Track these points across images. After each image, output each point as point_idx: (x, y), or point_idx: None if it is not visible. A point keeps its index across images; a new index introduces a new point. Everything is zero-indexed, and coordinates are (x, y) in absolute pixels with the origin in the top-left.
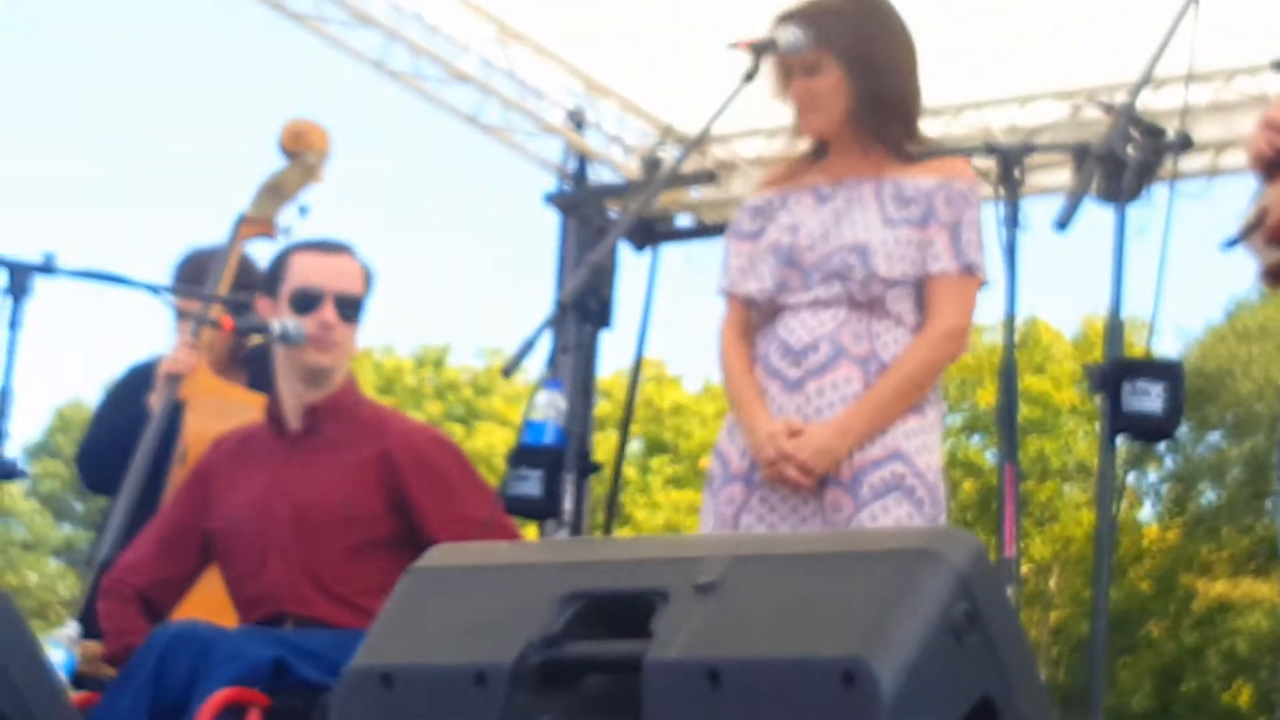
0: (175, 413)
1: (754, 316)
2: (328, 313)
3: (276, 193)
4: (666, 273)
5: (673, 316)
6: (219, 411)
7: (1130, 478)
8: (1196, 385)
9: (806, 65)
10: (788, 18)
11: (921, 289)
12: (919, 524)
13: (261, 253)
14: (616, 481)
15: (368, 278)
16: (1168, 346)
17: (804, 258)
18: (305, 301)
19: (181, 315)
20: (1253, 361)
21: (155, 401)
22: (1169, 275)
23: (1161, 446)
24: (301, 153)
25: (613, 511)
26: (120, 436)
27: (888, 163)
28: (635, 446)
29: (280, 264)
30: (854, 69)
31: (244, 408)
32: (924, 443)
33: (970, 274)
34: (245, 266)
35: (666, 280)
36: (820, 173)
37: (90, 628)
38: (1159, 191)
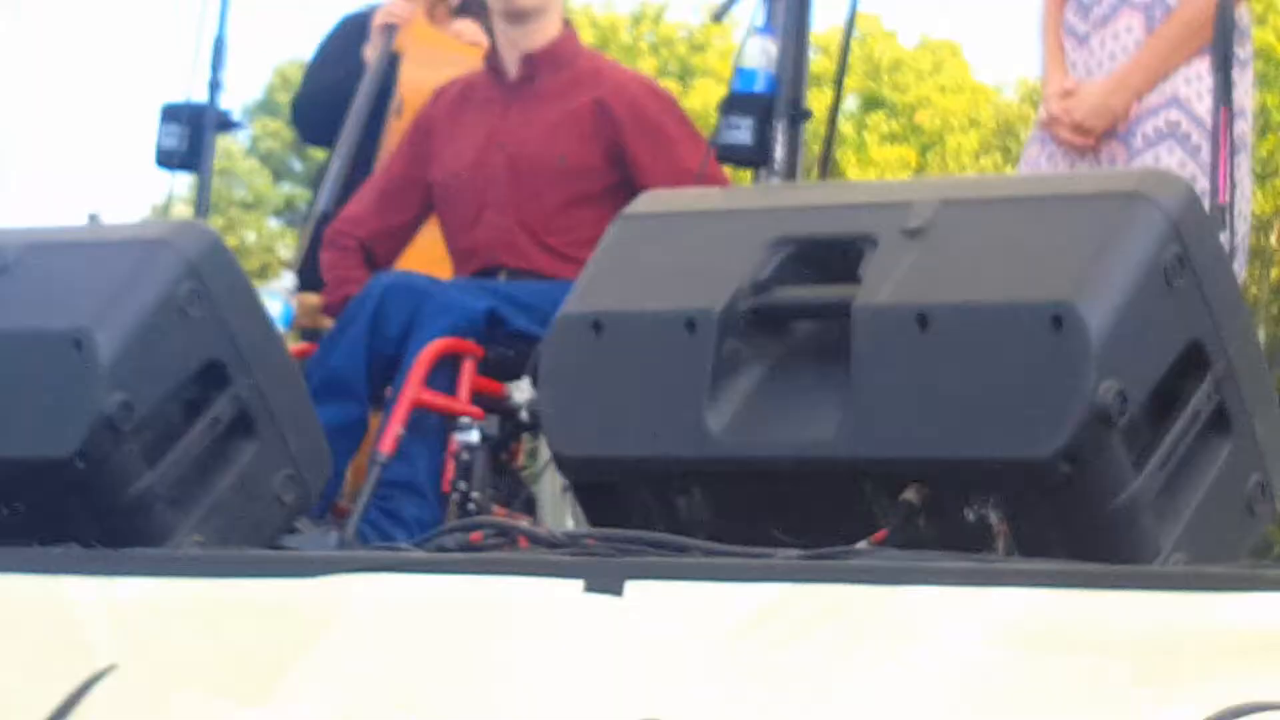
0: (391, 64)
1: None
2: None
3: None
4: None
5: None
6: (435, 62)
7: None
8: None
9: None
10: None
11: None
12: (1191, 171)
13: None
14: (831, 135)
15: None
16: None
17: None
18: None
19: None
20: None
21: (370, 53)
22: None
23: None
24: None
25: (826, 167)
26: (335, 88)
27: None
28: (851, 103)
29: None
30: None
31: (460, 58)
32: (1209, 86)
33: None
34: None
35: None
36: None
37: (307, 282)
38: None
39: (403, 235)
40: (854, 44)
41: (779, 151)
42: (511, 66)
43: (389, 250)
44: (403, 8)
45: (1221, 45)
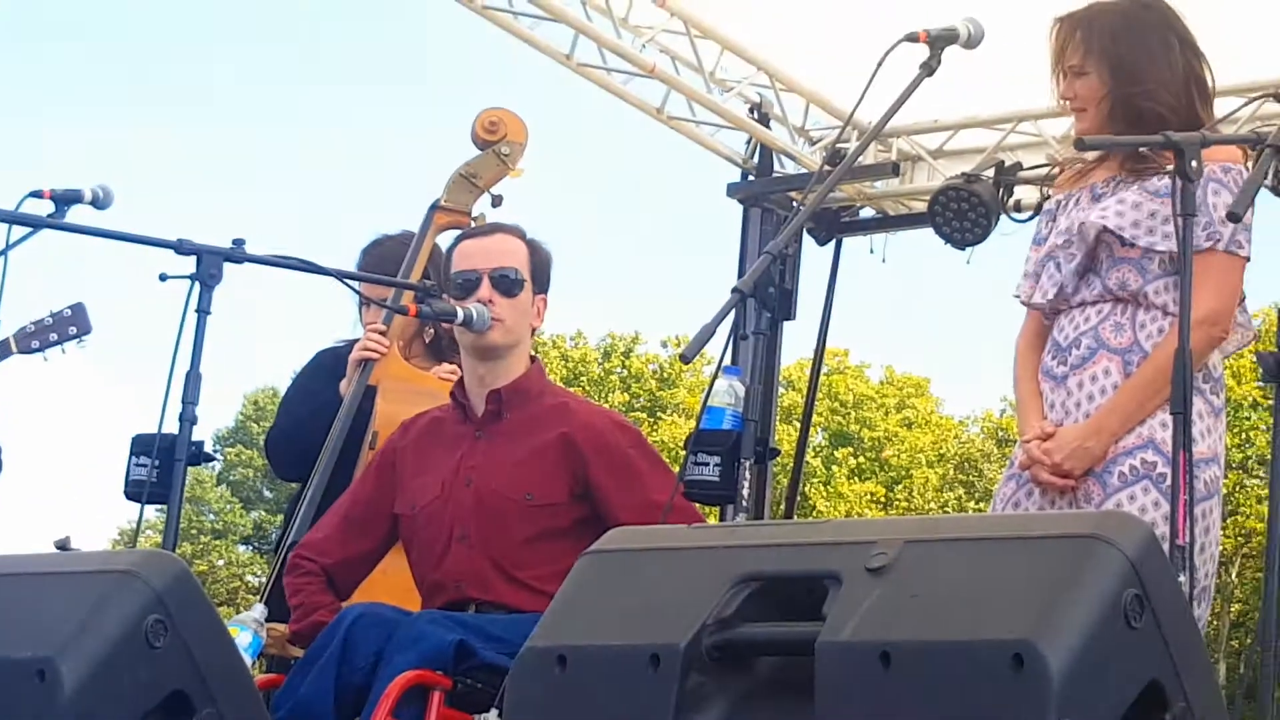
0: (366, 398)
1: (1045, 321)
2: (484, 291)
3: (471, 182)
4: (851, 264)
5: (857, 306)
6: (410, 397)
7: None
8: None
9: (1076, 68)
10: (1062, 20)
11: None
12: (1165, 511)
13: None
14: (798, 472)
15: (534, 252)
16: None
17: (1070, 256)
18: (464, 286)
19: (368, 302)
20: None
21: (345, 388)
22: None
23: None
24: (496, 143)
25: (793, 502)
26: (309, 423)
27: (1145, 162)
28: (819, 438)
29: (447, 258)
30: (1112, 73)
31: (435, 394)
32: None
33: (1224, 253)
34: (435, 256)
35: (851, 271)
36: (1102, 171)
37: (276, 612)
38: None
39: (365, 564)
40: (822, 379)
41: (746, 488)
42: (479, 402)
43: (351, 578)
44: (377, 343)
45: (1180, 391)
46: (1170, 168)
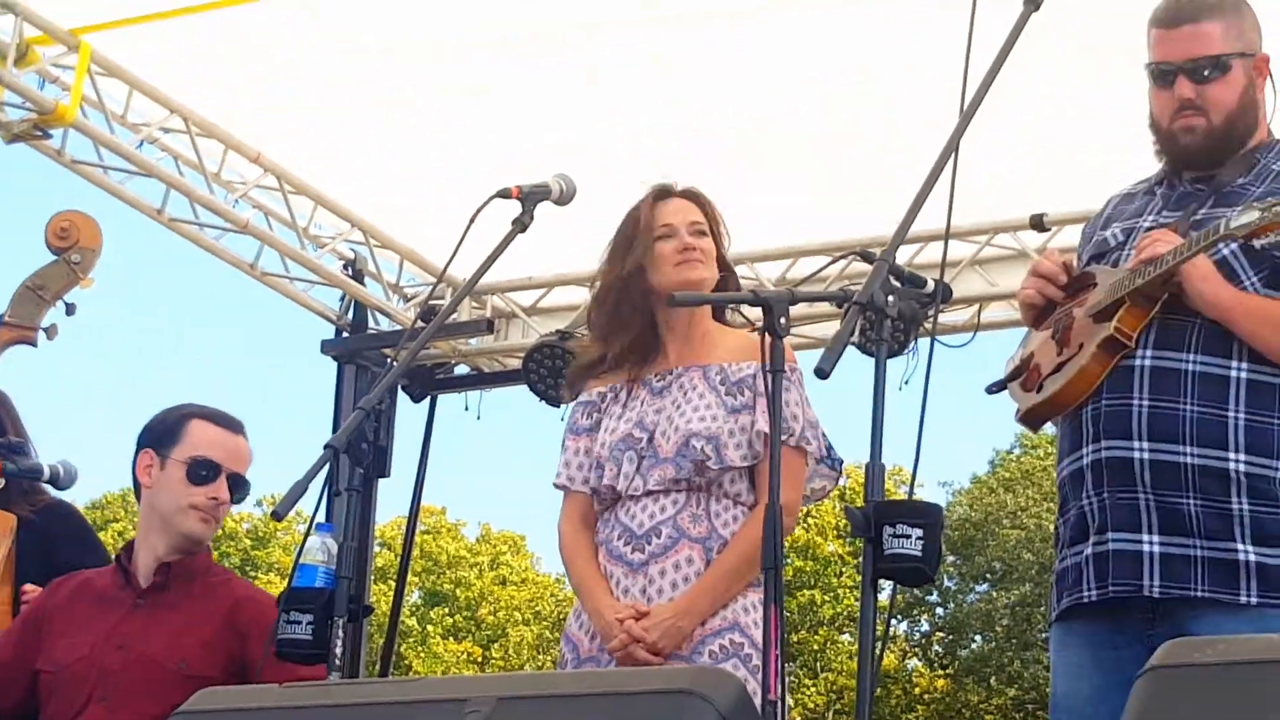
0: None
1: (596, 505)
2: (221, 489)
3: (38, 295)
4: (446, 421)
5: (453, 463)
6: None
7: (902, 628)
8: (965, 535)
9: (700, 228)
10: (683, 193)
11: (754, 469)
12: (753, 687)
13: (23, 358)
14: (393, 630)
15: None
16: (934, 499)
17: (653, 448)
18: (202, 472)
19: None
20: (1020, 510)
21: None
22: (935, 427)
23: (934, 596)
24: (67, 250)
25: (389, 661)
26: None
27: (711, 336)
28: (415, 597)
29: (178, 424)
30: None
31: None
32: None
33: (796, 449)
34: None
35: (446, 428)
36: (650, 368)
37: None
38: (922, 344)
39: None
40: (417, 538)
41: (339, 647)
42: (147, 573)
43: None
44: None
45: (770, 547)
46: (749, 362)
